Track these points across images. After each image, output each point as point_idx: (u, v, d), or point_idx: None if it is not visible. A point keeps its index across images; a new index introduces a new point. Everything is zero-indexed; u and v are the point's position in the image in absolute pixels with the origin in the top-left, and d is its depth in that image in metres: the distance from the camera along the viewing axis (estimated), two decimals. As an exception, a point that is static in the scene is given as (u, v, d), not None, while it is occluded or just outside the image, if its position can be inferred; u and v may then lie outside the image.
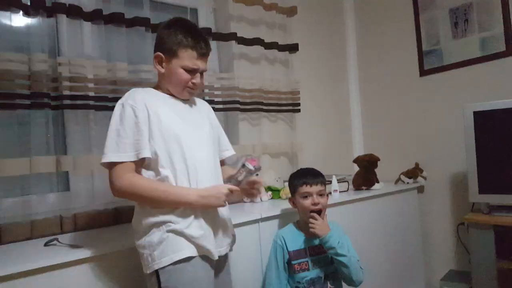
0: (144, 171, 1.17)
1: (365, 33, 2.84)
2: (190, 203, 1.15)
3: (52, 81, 1.51)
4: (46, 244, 1.31)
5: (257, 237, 1.64)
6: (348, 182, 2.23)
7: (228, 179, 1.24)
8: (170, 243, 1.12)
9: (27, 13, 1.48)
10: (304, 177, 1.59)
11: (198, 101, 1.41)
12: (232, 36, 2.07)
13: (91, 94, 1.58)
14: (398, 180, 2.45)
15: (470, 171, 1.92)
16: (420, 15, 2.48)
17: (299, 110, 2.38)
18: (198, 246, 1.15)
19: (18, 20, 1.54)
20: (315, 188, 1.54)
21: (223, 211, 1.28)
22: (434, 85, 2.44)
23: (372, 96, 2.81)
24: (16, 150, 1.48)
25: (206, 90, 1.99)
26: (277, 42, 2.29)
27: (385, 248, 2.18)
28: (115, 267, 1.26)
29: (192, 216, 1.16)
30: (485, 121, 1.90)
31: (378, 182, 2.26)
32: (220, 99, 2.05)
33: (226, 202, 1.23)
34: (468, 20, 2.25)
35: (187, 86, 1.23)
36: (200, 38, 1.23)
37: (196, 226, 1.16)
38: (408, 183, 2.40)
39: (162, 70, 1.23)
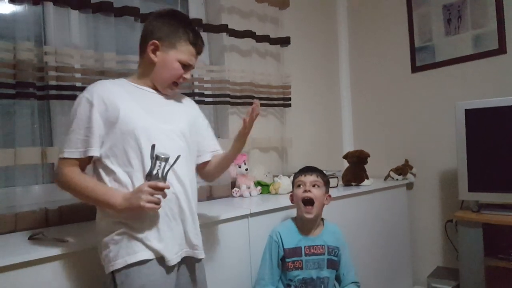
0: (99, 168, 1.15)
1: (358, 28, 2.88)
2: (115, 206, 1.09)
3: (38, 71, 1.51)
4: (30, 238, 1.31)
5: (246, 232, 1.67)
6: (337, 177, 2.28)
7: (145, 178, 1.10)
8: (125, 245, 1.10)
9: (12, 0, 1.47)
10: (302, 169, 1.66)
11: (181, 96, 1.39)
12: (223, 28, 2.08)
13: (78, 84, 1.58)
14: (388, 176, 2.51)
15: (460, 168, 1.98)
16: (414, 11, 2.52)
17: (290, 105, 2.41)
18: (153, 250, 1.11)
19: (3, 7, 1.53)
20: (309, 178, 1.58)
21: (186, 213, 1.20)
22: (426, 81, 2.48)
23: (363, 91, 2.86)
24: (0, 140, 1.49)
25: (196, 83, 2.01)
26: (269, 35, 2.31)
27: (373, 244, 2.23)
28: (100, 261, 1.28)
29: (148, 219, 1.12)
30: (476, 119, 1.94)
31: (368, 178, 2.30)
32: (210, 92, 2.07)
33: (155, 204, 1.07)
34: (461, 17, 2.30)
35: (175, 81, 1.23)
36: (199, 36, 1.26)
37: (151, 229, 1.12)
38: (397, 179, 2.46)
39: (156, 59, 1.20)
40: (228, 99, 2.11)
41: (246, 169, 2.07)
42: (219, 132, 2.24)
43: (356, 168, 2.30)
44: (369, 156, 2.31)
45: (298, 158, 2.50)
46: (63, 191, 1.17)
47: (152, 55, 1.20)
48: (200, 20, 2.02)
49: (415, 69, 2.54)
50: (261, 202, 1.87)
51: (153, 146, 1.09)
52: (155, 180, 1.07)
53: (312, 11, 2.73)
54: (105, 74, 1.66)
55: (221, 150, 1.47)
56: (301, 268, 1.55)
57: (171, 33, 1.20)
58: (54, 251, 1.17)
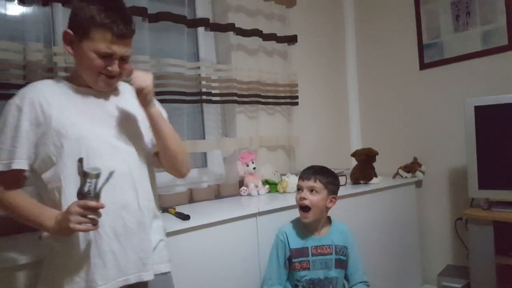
0: (38, 184, 1.05)
1: (365, 25, 2.87)
2: (48, 230, 0.99)
3: (47, 71, 1.53)
4: (41, 237, 1.32)
5: (254, 231, 1.68)
6: (346, 176, 2.27)
7: (77, 196, 0.96)
8: (52, 271, 1.01)
9: (22, 2, 1.49)
10: (304, 170, 1.62)
11: (125, 87, 1.21)
12: (230, 27, 2.09)
13: (87, 85, 1.59)
14: (396, 174, 2.50)
15: (470, 166, 1.97)
16: (421, 7, 2.50)
17: (297, 103, 2.42)
18: (82, 279, 1.00)
19: (13, 8, 1.55)
20: (306, 183, 1.56)
21: (134, 230, 1.07)
22: (434, 78, 2.47)
23: (371, 89, 2.85)
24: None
25: (203, 82, 2.01)
26: (276, 34, 2.31)
27: (382, 243, 2.23)
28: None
29: (78, 245, 1.00)
30: (486, 116, 1.93)
31: (376, 176, 2.30)
32: (217, 91, 2.07)
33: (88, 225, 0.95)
34: (470, 13, 2.28)
35: (102, 74, 1.06)
36: (117, 15, 1.02)
37: (82, 258, 1.00)
38: (406, 177, 2.45)
39: (71, 52, 1.05)
40: (235, 98, 2.11)
41: (254, 168, 2.08)
42: (226, 131, 2.25)
43: (365, 166, 2.29)
44: (377, 154, 2.30)
45: (305, 156, 2.50)
46: None
47: (68, 48, 1.05)
48: (207, 19, 2.02)
49: (423, 66, 2.53)
50: (269, 201, 1.88)
51: (80, 160, 0.97)
52: (86, 198, 0.94)
53: (319, 9, 2.73)
54: (113, 74, 1.67)
55: None
56: (308, 269, 1.55)
57: (82, 18, 1.01)
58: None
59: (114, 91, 1.17)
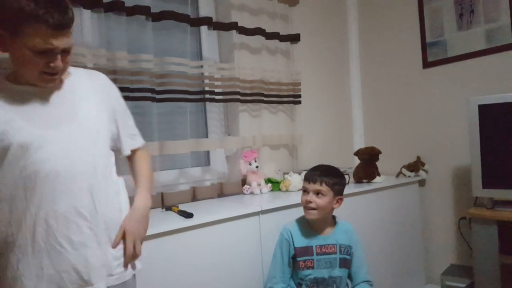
0: None
1: (368, 24, 2.87)
2: None
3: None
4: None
5: (257, 229, 1.69)
6: (348, 175, 2.28)
7: None
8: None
9: (26, 0, 1.50)
10: (310, 171, 1.62)
11: (80, 74, 1.10)
12: (233, 26, 2.09)
13: (91, 83, 1.60)
14: (400, 173, 2.50)
15: (474, 165, 1.96)
16: (424, 6, 2.50)
17: (300, 102, 2.42)
18: None
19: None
20: (312, 186, 1.55)
21: (89, 237, 1.00)
22: (437, 77, 2.47)
23: (374, 88, 2.85)
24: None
25: (206, 81, 2.02)
26: (279, 32, 2.32)
27: (385, 242, 2.23)
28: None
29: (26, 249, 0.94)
30: (490, 115, 1.93)
31: (379, 175, 2.30)
32: (220, 90, 2.08)
33: None
34: (473, 11, 2.28)
35: (44, 72, 0.95)
36: (50, 3, 0.89)
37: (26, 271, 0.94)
38: (409, 176, 2.45)
39: (6, 53, 0.93)
40: (238, 96, 2.12)
41: (257, 166, 2.08)
42: (229, 129, 2.26)
43: (368, 165, 2.29)
44: (380, 152, 2.30)
45: (308, 155, 2.51)
46: None
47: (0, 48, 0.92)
48: (210, 18, 2.03)
49: (426, 64, 2.53)
50: (271, 200, 1.89)
51: None
52: None
53: (322, 8, 2.73)
54: (117, 73, 1.69)
55: (139, 140, 1.26)
56: (313, 268, 1.55)
57: (11, 13, 0.87)
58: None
59: (61, 83, 1.04)
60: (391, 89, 2.74)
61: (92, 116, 1.05)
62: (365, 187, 2.17)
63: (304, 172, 2.10)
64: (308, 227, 1.61)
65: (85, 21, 1.65)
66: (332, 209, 1.59)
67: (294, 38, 2.39)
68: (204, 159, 2.22)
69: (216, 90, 2.07)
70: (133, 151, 1.23)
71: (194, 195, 1.98)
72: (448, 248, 2.45)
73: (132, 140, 1.22)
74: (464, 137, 2.11)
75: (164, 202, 1.85)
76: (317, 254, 1.56)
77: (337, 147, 2.75)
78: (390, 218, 2.27)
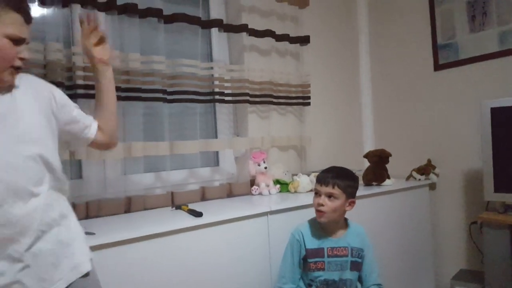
0: None
1: (378, 25, 2.89)
2: None
3: (66, 71, 1.60)
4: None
5: (265, 230, 1.72)
6: (358, 177, 2.29)
7: None
8: None
9: (42, 3, 1.57)
10: (323, 173, 1.61)
11: (26, 81, 1.04)
12: (243, 28, 2.14)
13: (104, 84, 1.66)
14: (410, 176, 2.51)
15: (486, 168, 1.96)
16: (436, 8, 2.51)
17: (309, 104, 2.45)
18: None
19: (34, 9, 1.62)
20: (324, 189, 1.54)
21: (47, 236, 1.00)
22: (449, 80, 2.48)
23: (384, 90, 2.86)
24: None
25: (216, 82, 2.07)
26: (288, 34, 2.35)
27: (394, 245, 2.24)
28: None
29: None
30: (502, 118, 1.92)
31: (389, 178, 2.32)
32: (229, 91, 2.12)
33: None
34: (486, 13, 2.28)
35: (12, 65, 0.95)
36: None
37: None
38: (419, 179, 2.46)
39: None
40: (247, 98, 2.16)
41: (266, 167, 2.12)
42: (238, 131, 2.30)
43: (377, 167, 2.31)
44: (390, 155, 2.32)
45: (317, 157, 2.54)
46: None
47: None
48: (221, 20, 2.08)
49: (437, 67, 2.53)
50: (280, 201, 1.92)
51: None
52: None
53: (332, 10, 2.76)
54: (130, 74, 1.75)
55: (93, 124, 1.23)
56: (323, 269, 1.56)
57: None
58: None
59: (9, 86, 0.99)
60: (402, 92, 2.75)
61: (37, 124, 1.03)
62: (375, 189, 2.18)
63: (313, 174, 2.14)
64: (320, 229, 1.60)
65: (99, 23, 1.70)
66: (344, 211, 1.59)
67: (304, 40, 2.42)
68: (213, 159, 2.27)
69: (226, 91, 2.11)
70: None
71: (203, 195, 2.02)
72: (458, 253, 2.45)
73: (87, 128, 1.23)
74: (476, 140, 2.11)
75: (174, 201, 1.89)
76: (329, 256, 1.56)
77: (346, 149, 2.77)
78: (399, 222, 2.28)
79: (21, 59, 0.97)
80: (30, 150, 0.97)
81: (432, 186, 2.54)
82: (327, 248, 1.57)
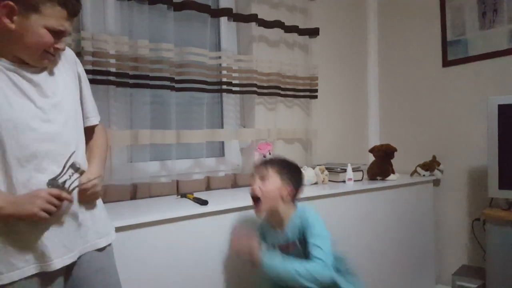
0: None
1: (388, 20, 2.88)
2: None
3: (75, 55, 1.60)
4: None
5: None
6: (363, 171, 2.31)
7: (48, 183, 1.00)
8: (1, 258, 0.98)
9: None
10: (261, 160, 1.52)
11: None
12: (252, 18, 2.13)
13: (113, 70, 1.68)
14: (414, 172, 2.52)
15: (491, 165, 1.97)
16: (446, 4, 2.50)
17: (316, 97, 2.45)
18: (31, 261, 1.00)
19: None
20: (257, 171, 1.45)
21: (76, 206, 1.08)
22: (457, 76, 2.48)
23: (392, 85, 2.86)
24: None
25: (224, 72, 2.07)
26: (297, 26, 2.35)
27: (396, 240, 2.26)
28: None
29: (28, 225, 0.99)
30: (510, 114, 1.93)
31: (393, 173, 2.33)
32: (237, 81, 2.13)
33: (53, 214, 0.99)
34: (497, 10, 2.27)
35: (48, 52, 1.03)
36: None
37: (30, 236, 1.00)
38: (424, 175, 2.47)
39: (12, 26, 0.96)
40: (255, 89, 2.16)
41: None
42: (245, 121, 2.31)
43: (382, 162, 2.32)
44: (396, 150, 2.33)
45: (322, 150, 2.54)
46: None
47: (6, 21, 0.95)
48: (230, 9, 2.07)
49: (446, 63, 2.53)
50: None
51: (72, 154, 1.04)
52: (60, 189, 0.99)
53: (341, 2, 2.75)
54: (138, 61, 1.75)
55: (95, 117, 1.27)
56: None
57: None
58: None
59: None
60: (409, 87, 2.75)
61: (71, 97, 1.14)
62: (379, 184, 2.19)
63: (318, 167, 2.15)
64: (268, 223, 1.51)
65: (108, 8, 1.70)
66: (283, 200, 1.42)
67: (313, 32, 2.41)
68: (219, 150, 2.28)
69: (233, 81, 2.11)
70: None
71: (208, 185, 2.03)
72: (460, 249, 2.47)
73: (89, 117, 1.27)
74: (481, 137, 2.12)
75: (179, 189, 1.91)
76: (284, 253, 1.42)
77: (352, 143, 2.78)
78: (402, 216, 2.30)
79: (57, 48, 1.04)
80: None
81: (436, 182, 2.55)
82: (277, 244, 1.47)
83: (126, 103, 1.77)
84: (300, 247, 1.42)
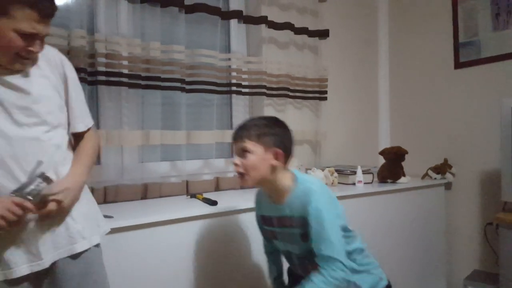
0: None
1: (398, 21, 2.87)
2: None
3: (89, 57, 1.64)
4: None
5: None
6: (373, 174, 2.30)
7: (15, 192, 0.96)
8: None
9: (68, -10, 1.61)
10: (237, 126, 1.30)
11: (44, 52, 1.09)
12: (262, 20, 2.15)
13: (125, 71, 1.71)
14: (425, 175, 2.50)
15: (504, 168, 1.95)
16: (459, 5, 2.49)
17: (325, 98, 2.46)
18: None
19: (60, -3, 1.67)
20: (236, 145, 1.26)
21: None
22: (469, 78, 2.45)
23: (403, 87, 2.85)
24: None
25: (234, 74, 2.09)
26: (307, 28, 2.36)
27: (407, 243, 2.25)
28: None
29: None
30: (523, 117, 1.91)
31: (404, 175, 2.31)
32: (246, 83, 2.14)
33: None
34: (511, 11, 2.25)
35: (20, 56, 1.00)
36: None
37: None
38: (435, 178, 2.45)
39: None
40: (264, 90, 2.18)
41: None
42: (254, 123, 2.31)
43: (393, 165, 2.31)
44: (406, 153, 2.31)
45: (332, 152, 2.54)
46: None
47: None
48: (241, 11, 2.10)
49: (458, 65, 2.51)
50: (294, 193, 1.92)
51: (39, 162, 1.00)
52: (24, 198, 0.95)
53: (352, 4, 2.75)
54: (150, 62, 1.78)
55: (87, 122, 1.21)
56: (277, 239, 1.34)
57: None
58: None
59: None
60: (420, 89, 2.73)
61: (48, 98, 1.10)
62: (389, 187, 2.19)
63: (327, 169, 2.15)
64: (266, 193, 1.33)
65: (121, 11, 1.74)
66: (273, 167, 1.23)
67: (323, 34, 2.42)
68: (228, 151, 2.29)
69: (243, 83, 2.13)
70: None
71: (217, 185, 2.06)
72: (472, 253, 2.44)
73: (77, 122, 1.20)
74: (494, 140, 2.09)
75: (188, 189, 1.93)
76: (278, 226, 1.31)
77: (362, 146, 2.77)
78: (413, 220, 2.28)
79: (30, 51, 1.00)
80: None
81: (448, 186, 2.53)
82: (274, 217, 1.31)
83: (137, 104, 1.80)
84: (301, 228, 1.23)
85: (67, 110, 1.14)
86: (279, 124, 1.29)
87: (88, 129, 1.22)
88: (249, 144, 1.21)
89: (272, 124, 1.26)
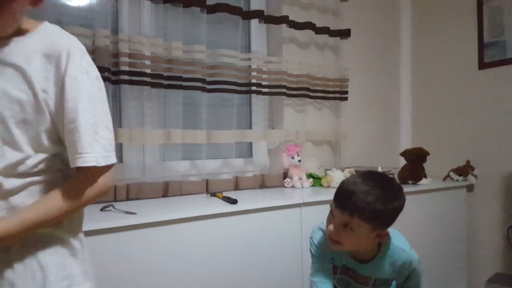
0: None
1: (421, 21, 2.83)
2: None
3: (112, 57, 1.68)
4: (102, 209, 1.48)
5: (298, 220, 1.74)
6: (393, 175, 2.28)
7: None
8: None
9: (93, -9, 1.65)
10: (343, 192, 1.13)
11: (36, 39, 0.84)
12: (284, 19, 2.15)
13: (148, 71, 1.74)
14: (447, 177, 2.46)
15: (528, 171, 1.91)
16: (484, 4, 2.43)
17: (346, 98, 2.44)
18: None
19: (85, -3, 1.72)
20: (339, 215, 1.11)
21: None
22: (494, 79, 2.40)
23: (425, 87, 2.81)
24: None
25: (254, 73, 2.09)
26: (329, 27, 2.35)
27: (428, 245, 2.22)
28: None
29: None
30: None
31: (426, 177, 2.29)
32: (266, 83, 2.15)
33: None
34: (538, 11, 2.20)
35: None
36: None
37: None
38: (457, 180, 2.41)
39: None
40: (284, 90, 2.18)
41: (299, 161, 2.13)
42: (273, 123, 2.33)
43: (414, 166, 2.28)
44: (428, 154, 2.29)
45: (352, 153, 2.53)
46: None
47: None
48: (262, 11, 2.10)
49: (482, 65, 2.46)
50: (313, 194, 1.93)
51: None
52: None
53: (374, 3, 2.72)
54: (172, 62, 1.81)
55: (87, 157, 0.83)
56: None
57: None
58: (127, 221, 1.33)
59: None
60: (443, 89, 2.69)
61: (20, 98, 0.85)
62: (410, 188, 2.16)
63: (347, 170, 2.14)
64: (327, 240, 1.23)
65: (144, 12, 1.78)
66: (373, 243, 1.19)
67: (344, 34, 2.41)
68: (247, 151, 2.31)
69: (263, 83, 2.14)
70: None
71: (237, 185, 2.07)
72: (494, 256, 2.39)
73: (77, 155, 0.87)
74: (520, 142, 2.05)
75: (208, 188, 1.95)
76: (340, 273, 1.27)
77: (382, 146, 2.74)
78: (434, 222, 2.25)
79: None
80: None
81: (470, 188, 2.48)
82: (342, 266, 1.24)
83: (159, 103, 1.83)
84: (372, 285, 1.22)
85: (66, 133, 0.85)
86: (400, 195, 1.13)
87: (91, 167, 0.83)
88: (356, 223, 1.08)
89: (390, 198, 1.10)
